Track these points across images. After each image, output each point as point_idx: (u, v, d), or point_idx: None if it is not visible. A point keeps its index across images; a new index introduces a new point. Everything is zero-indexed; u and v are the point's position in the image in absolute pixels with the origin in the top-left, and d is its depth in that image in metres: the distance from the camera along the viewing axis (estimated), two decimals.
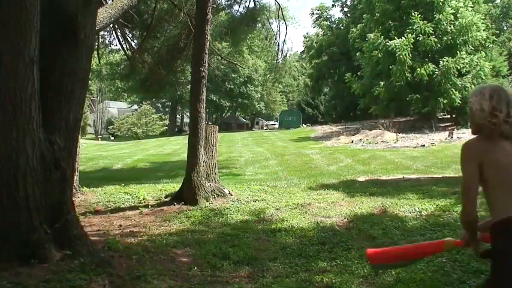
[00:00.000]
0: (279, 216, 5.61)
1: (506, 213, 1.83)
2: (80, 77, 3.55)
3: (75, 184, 6.79)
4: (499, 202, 1.89)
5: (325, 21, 46.13)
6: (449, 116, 30.70)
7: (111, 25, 8.90)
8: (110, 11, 6.34)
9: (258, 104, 53.42)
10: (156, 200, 6.84)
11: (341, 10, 47.56)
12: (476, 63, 24.87)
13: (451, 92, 24.22)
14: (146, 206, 6.31)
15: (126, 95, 46.18)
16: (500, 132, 1.93)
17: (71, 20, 3.43)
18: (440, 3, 25.11)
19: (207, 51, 6.91)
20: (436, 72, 24.23)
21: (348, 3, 45.80)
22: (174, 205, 6.34)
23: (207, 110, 36.47)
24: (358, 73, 30.12)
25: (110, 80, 25.47)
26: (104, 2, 7.09)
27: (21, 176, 3.06)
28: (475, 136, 2.01)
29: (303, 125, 44.13)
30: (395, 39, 24.53)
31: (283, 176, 11.40)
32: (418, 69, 24.20)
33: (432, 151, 16.60)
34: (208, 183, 6.83)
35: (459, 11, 25.12)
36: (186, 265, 3.67)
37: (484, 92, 2.00)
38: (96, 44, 9.33)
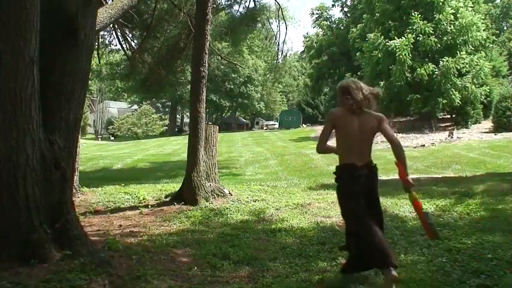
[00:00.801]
0: (279, 216, 5.61)
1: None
2: (80, 77, 3.55)
3: (75, 184, 6.79)
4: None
5: (325, 21, 46.13)
6: (449, 116, 30.69)
7: (111, 25, 8.89)
8: (110, 11, 6.33)
9: (258, 104, 53.41)
10: (156, 200, 6.84)
11: (341, 10, 47.60)
12: (476, 63, 24.86)
13: (451, 92, 24.22)
14: (146, 206, 6.31)
15: (126, 95, 46.19)
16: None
17: (71, 20, 3.42)
18: (440, 3, 25.11)
19: (207, 51, 6.90)
20: (436, 72, 24.23)
21: (348, 3, 45.81)
22: (174, 205, 6.34)
23: (207, 110, 36.46)
24: (358, 73, 30.13)
25: (110, 80, 25.47)
26: (104, 2, 7.09)
27: (21, 176, 3.06)
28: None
29: (303, 125, 44.16)
30: (395, 39, 24.53)
31: (283, 176, 11.41)
32: (418, 69, 24.20)
33: (432, 151, 16.61)
34: (208, 183, 6.83)
35: (459, 11, 25.12)
36: (186, 265, 3.66)
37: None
38: (96, 44, 9.33)
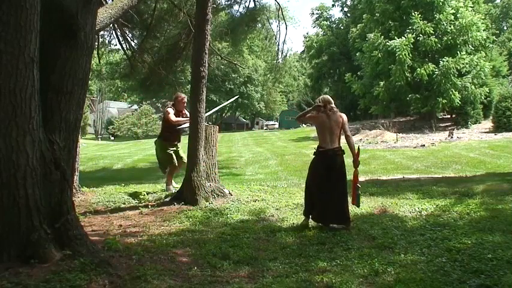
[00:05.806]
0: (279, 216, 5.61)
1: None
2: (80, 77, 3.55)
3: (75, 184, 6.78)
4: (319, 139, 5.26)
5: (325, 21, 46.12)
6: (449, 116, 30.70)
7: (111, 25, 8.89)
8: (110, 11, 6.33)
9: (258, 104, 53.43)
10: (156, 200, 6.83)
11: (341, 10, 47.68)
12: (476, 63, 24.86)
13: (451, 92, 24.22)
14: (146, 206, 6.31)
15: (126, 94, 46.20)
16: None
17: (71, 20, 3.42)
18: (440, 3, 25.12)
19: (207, 51, 6.89)
20: (436, 72, 24.23)
21: (348, 3, 45.81)
22: (174, 205, 6.33)
23: (207, 110, 36.39)
24: (358, 73, 30.14)
25: (110, 80, 25.47)
26: (104, 2, 7.09)
27: (21, 176, 3.06)
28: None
29: (303, 125, 44.08)
30: (395, 39, 24.54)
31: (283, 176, 11.40)
32: (418, 69, 24.20)
33: (432, 151, 16.60)
34: (208, 183, 6.82)
35: (459, 11, 25.13)
36: (186, 265, 3.66)
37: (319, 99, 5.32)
38: (96, 44, 9.32)
